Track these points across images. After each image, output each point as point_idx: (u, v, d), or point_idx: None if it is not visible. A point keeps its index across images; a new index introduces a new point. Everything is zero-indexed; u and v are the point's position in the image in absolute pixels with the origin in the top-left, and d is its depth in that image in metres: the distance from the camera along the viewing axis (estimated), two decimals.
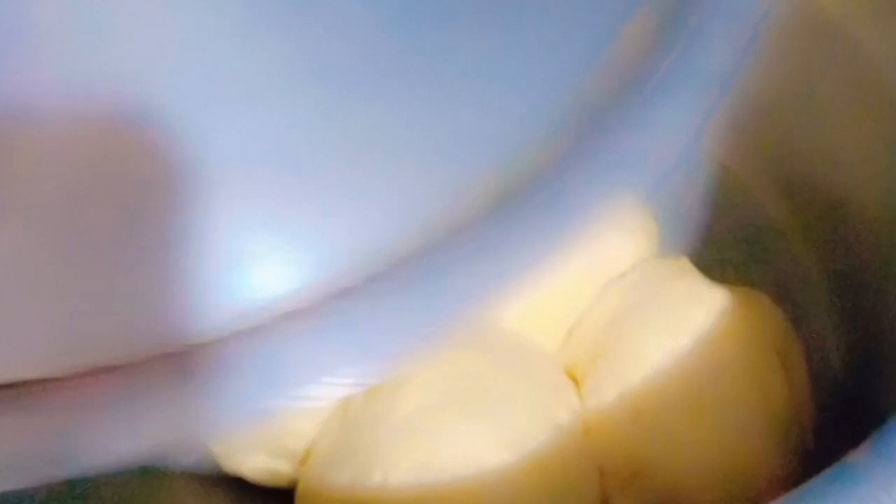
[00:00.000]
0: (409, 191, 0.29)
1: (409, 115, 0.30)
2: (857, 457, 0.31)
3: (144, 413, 0.28)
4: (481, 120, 0.30)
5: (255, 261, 0.29)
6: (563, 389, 0.43)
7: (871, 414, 0.43)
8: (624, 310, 0.44)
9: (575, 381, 0.44)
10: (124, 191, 0.29)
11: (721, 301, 0.43)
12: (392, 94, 0.30)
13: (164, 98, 0.29)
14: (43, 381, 0.28)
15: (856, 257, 0.48)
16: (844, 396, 0.46)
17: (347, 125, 0.29)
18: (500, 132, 0.30)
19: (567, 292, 0.45)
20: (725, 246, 0.51)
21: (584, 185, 0.30)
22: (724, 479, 0.41)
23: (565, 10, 0.31)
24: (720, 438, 0.41)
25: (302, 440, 0.42)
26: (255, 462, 0.43)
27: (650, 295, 0.44)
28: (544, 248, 0.30)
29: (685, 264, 0.46)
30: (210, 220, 0.29)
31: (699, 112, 0.31)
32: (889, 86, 0.45)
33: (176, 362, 0.28)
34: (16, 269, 0.29)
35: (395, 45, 0.30)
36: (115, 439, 0.28)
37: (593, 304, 0.45)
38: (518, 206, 0.29)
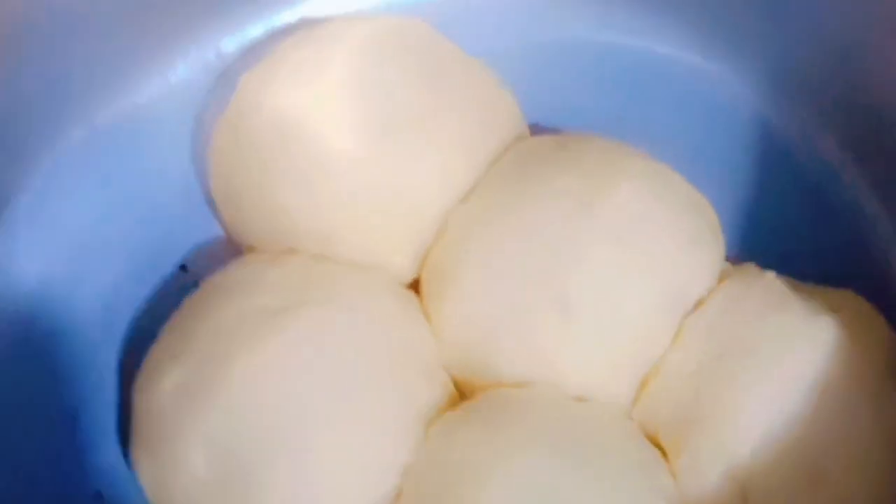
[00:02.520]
0: None
1: None
2: None
3: None
4: None
5: None
6: (651, 473, 0.35)
7: None
8: (712, 356, 0.35)
9: (658, 446, 0.36)
10: None
11: (825, 330, 0.35)
12: None
13: None
14: None
15: None
16: None
17: None
18: None
19: (637, 331, 0.36)
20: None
21: None
22: None
23: None
24: None
25: None
26: None
27: (741, 334, 0.36)
28: None
29: (772, 283, 0.37)
30: None
31: None
32: None
33: None
34: None
35: None
36: None
37: (672, 348, 0.36)
38: None
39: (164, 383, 0.36)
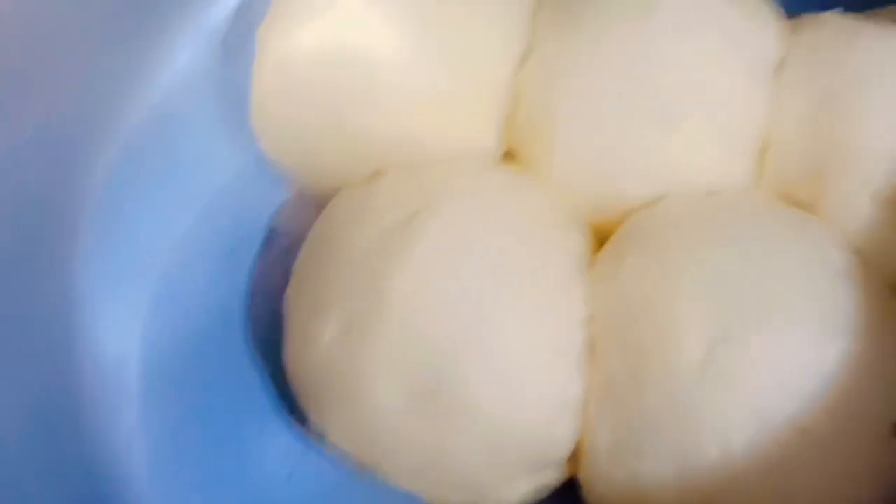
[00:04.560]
0: None
1: None
2: None
3: None
4: None
5: None
6: (813, 234, 0.35)
7: None
8: (815, 103, 0.36)
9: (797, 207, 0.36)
10: None
11: None
12: None
13: None
14: None
15: None
16: None
17: None
18: None
19: (739, 110, 0.36)
20: None
21: None
22: None
23: None
24: None
25: (564, 443, 0.35)
26: (521, 487, 0.36)
27: (834, 71, 0.36)
28: None
29: (839, 18, 0.37)
30: None
31: None
32: None
33: None
34: None
35: None
36: None
37: (774, 113, 0.37)
38: None
39: (323, 336, 0.35)
